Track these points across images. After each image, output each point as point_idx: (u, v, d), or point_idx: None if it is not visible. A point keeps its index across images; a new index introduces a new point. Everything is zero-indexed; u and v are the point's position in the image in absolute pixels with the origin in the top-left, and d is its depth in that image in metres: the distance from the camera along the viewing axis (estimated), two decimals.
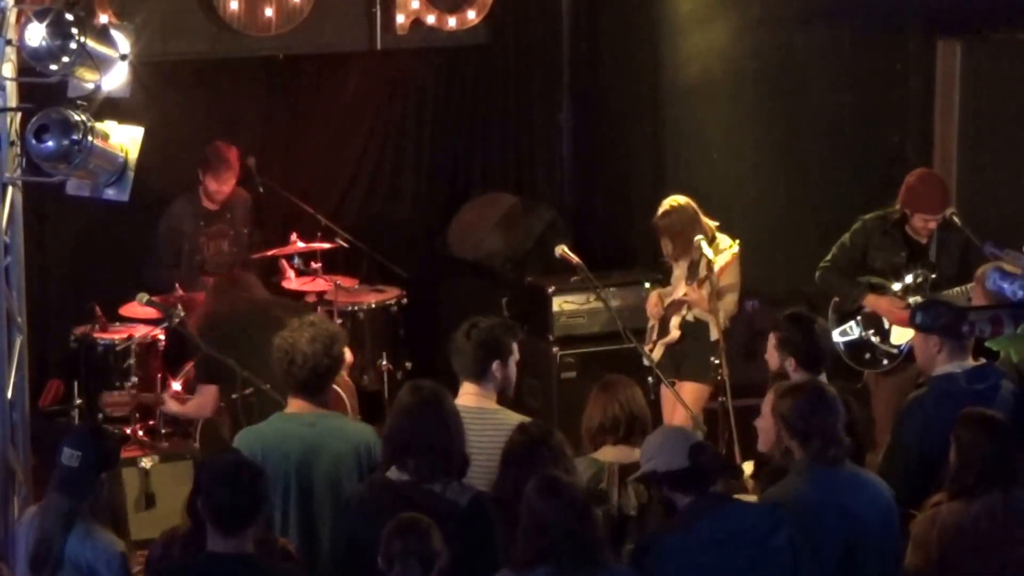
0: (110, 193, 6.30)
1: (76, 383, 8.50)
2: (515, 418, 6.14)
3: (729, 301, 8.44)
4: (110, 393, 8.19)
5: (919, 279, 8.18)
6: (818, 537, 5.46)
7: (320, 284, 9.38)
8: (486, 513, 5.44)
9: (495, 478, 5.78)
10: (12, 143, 6.26)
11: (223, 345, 7.29)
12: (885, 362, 8.28)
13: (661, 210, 8.48)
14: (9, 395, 6.39)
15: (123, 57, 6.19)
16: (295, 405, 6.15)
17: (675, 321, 8.51)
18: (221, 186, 9.21)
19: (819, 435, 5.63)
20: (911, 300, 8.11)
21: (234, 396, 7.26)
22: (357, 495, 5.62)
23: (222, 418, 7.72)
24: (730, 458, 7.53)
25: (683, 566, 5.22)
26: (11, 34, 6.13)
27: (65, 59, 5.92)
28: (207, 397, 7.47)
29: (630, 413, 6.16)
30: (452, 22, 10.10)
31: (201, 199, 9.27)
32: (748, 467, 6.50)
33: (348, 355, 6.80)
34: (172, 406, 7.93)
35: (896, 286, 8.23)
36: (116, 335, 8.76)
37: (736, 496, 5.69)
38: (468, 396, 6.21)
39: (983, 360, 6.55)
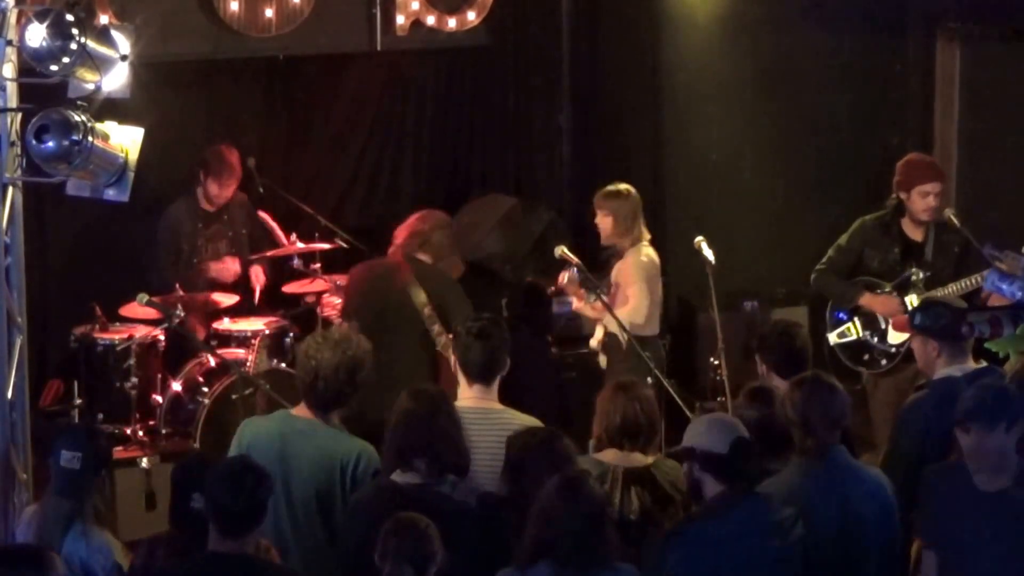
0: (110, 193, 6.30)
1: (76, 383, 8.50)
2: (520, 418, 6.08)
3: (629, 306, 8.20)
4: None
5: (914, 277, 8.16)
6: (816, 529, 5.47)
7: (320, 284, 9.38)
8: (497, 512, 5.44)
9: (501, 480, 5.69)
10: (12, 143, 6.25)
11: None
12: (883, 362, 8.26)
13: (611, 189, 8.41)
14: (9, 395, 6.37)
15: (123, 58, 6.18)
16: (300, 409, 6.09)
17: (599, 333, 8.50)
18: (223, 190, 9.18)
19: (821, 427, 5.64)
20: (907, 299, 8.10)
21: (234, 396, 7.20)
22: (365, 499, 5.57)
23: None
24: None
25: (714, 554, 5.25)
26: (11, 35, 6.12)
27: (65, 60, 5.91)
28: None
29: (649, 417, 5.97)
30: (452, 23, 10.10)
31: (199, 201, 9.24)
32: None
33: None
34: None
35: (888, 288, 8.21)
36: (116, 335, 8.75)
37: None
38: (471, 398, 6.12)
39: (984, 363, 6.55)
